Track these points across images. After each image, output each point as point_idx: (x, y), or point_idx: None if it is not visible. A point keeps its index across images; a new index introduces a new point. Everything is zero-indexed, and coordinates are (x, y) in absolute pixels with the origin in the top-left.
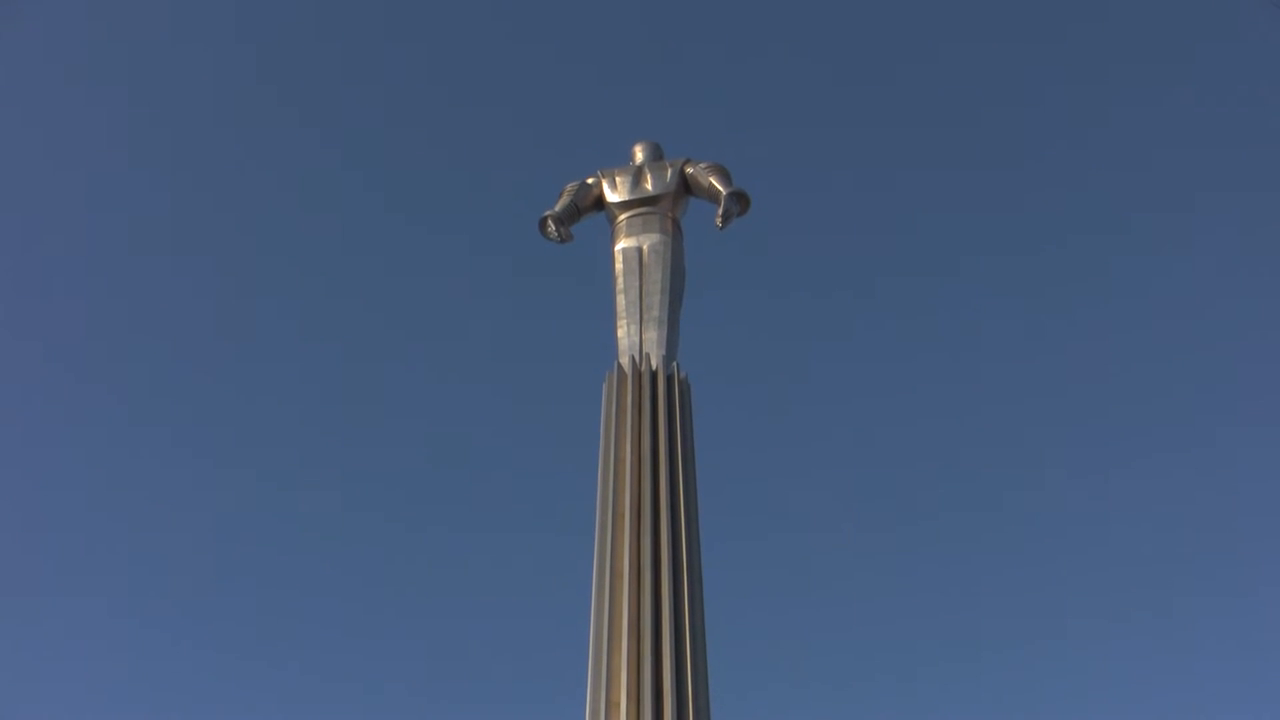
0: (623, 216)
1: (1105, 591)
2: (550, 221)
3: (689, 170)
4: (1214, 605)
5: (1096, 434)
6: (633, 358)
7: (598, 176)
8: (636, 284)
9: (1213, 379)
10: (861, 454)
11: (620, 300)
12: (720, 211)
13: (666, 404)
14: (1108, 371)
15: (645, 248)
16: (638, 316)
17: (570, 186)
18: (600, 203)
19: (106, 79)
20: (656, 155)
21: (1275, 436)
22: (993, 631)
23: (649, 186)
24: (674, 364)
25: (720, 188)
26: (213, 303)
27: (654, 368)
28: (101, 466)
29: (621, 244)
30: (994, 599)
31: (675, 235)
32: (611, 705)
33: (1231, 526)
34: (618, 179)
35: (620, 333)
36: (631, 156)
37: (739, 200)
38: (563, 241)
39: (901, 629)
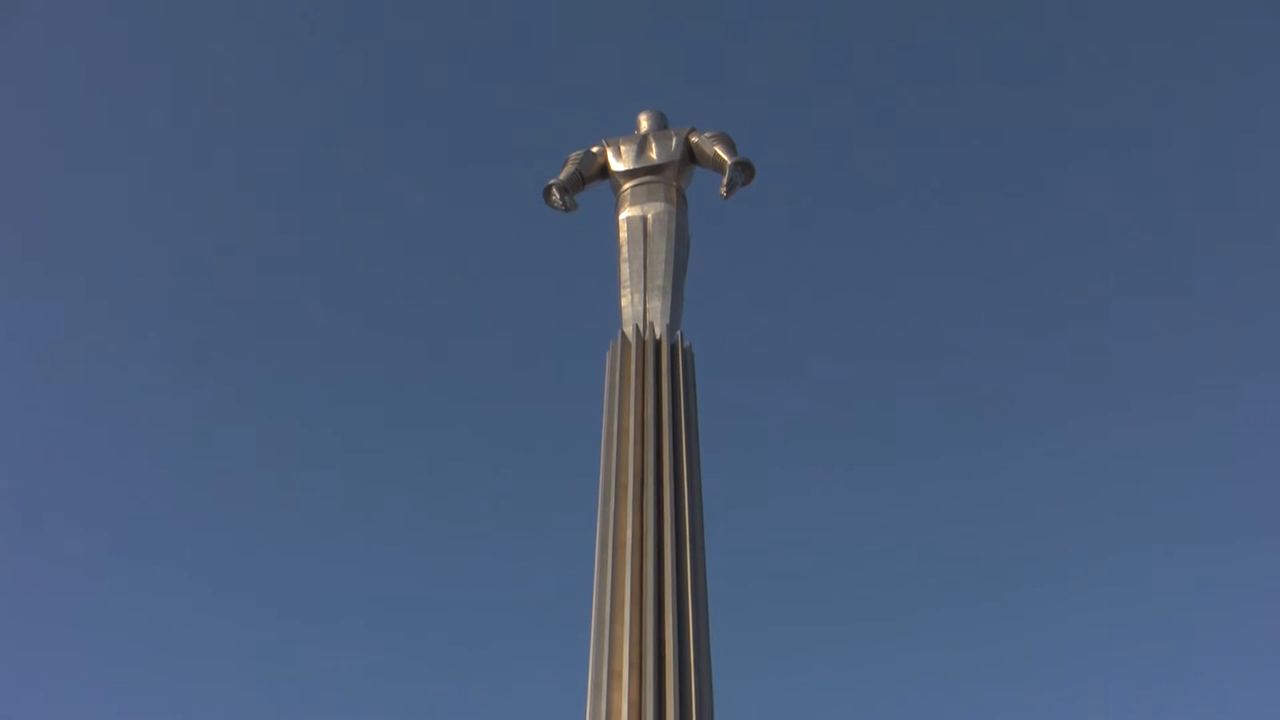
0: (627, 185)
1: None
2: (554, 190)
3: (694, 139)
4: None
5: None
6: (636, 327)
7: (602, 145)
8: (640, 253)
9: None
10: (865, 424)
11: (624, 269)
12: (725, 181)
13: (670, 373)
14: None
15: (649, 217)
16: (641, 286)
17: (574, 155)
18: (605, 172)
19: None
20: (661, 124)
21: None
22: (994, 567)
23: (653, 155)
24: (678, 333)
25: (725, 157)
26: (216, 275)
27: (658, 337)
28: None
29: (626, 213)
30: (1000, 534)
31: (680, 204)
32: (614, 675)
33: None
34: (622, 148)
35: (624, 302)
36: (636, 125)
37: (744, 170)
38: (567, 210)
39: (908, 580)
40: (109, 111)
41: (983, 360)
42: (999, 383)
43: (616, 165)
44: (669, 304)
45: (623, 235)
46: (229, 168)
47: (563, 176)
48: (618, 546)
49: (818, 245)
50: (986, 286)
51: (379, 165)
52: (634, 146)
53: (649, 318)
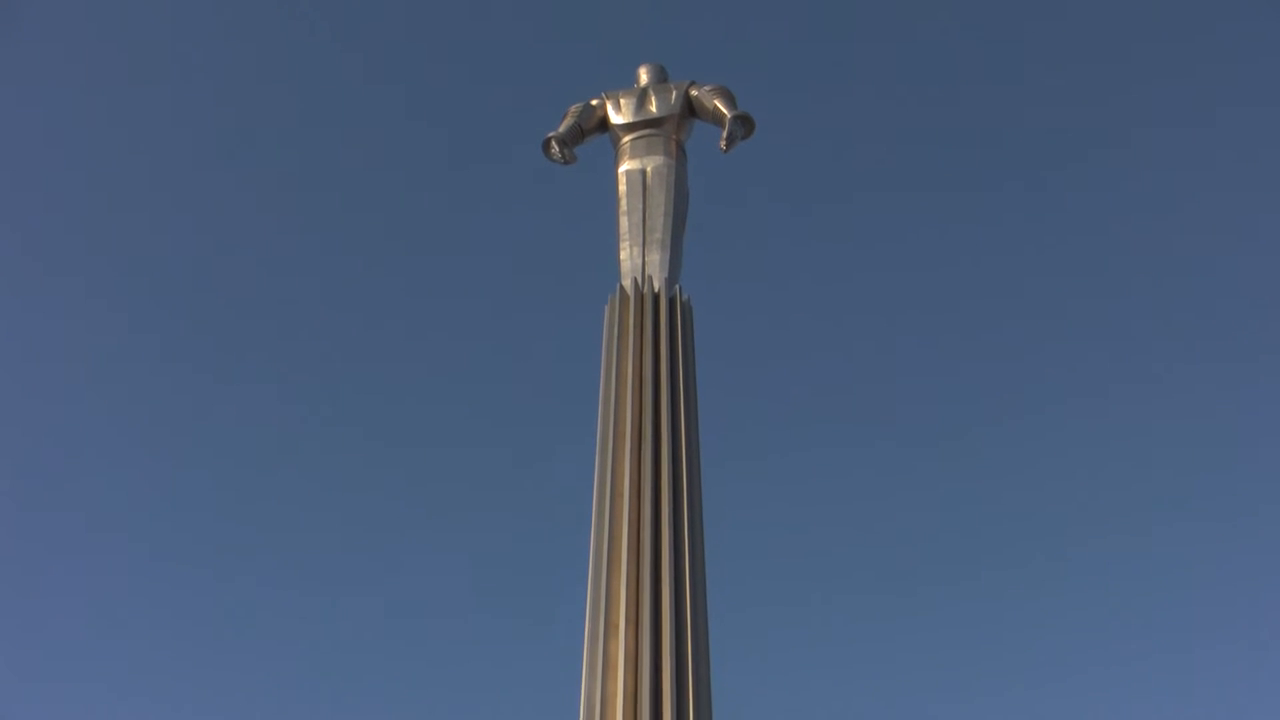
0: (626, 139)
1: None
2: (554, 143)
3: (693, 93)
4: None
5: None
6: (635, 280)
7: (602, 98)
8: (640, 206)
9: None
10: (863, 376)
11: (623, 222)
12: (725, 134)
13: (668, 326)
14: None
15: (649, 170)
16: (640, 239)
17: (574, 108)
18: (604, 125)
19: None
20: (661, 78)
21: None
22: (992, 545)
23: (653, 109)
24: (676, 286)
25: (725, 110)
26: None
27: (656, 290)
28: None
29: (625, 166)
30: (997, 513)
31: (679, 158)
32: (611, 627)
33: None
34: (622, 101)
35: (623, 255)
36: (636, 79)
37: (744, 123)
38: (566, 163)
39: (903, 548)
40: (109, 111)
41: (982, 347)
42: (998, 369)
43: (616, 118)
44: (668, 257)
45: (622, 188)
46: (229, 167)
47: (562, 129)
48: (615, 497)
49: (817, 234)
50: (987, 275)
51: (379, 165)
52: (633, 100)
53: (648, 271)
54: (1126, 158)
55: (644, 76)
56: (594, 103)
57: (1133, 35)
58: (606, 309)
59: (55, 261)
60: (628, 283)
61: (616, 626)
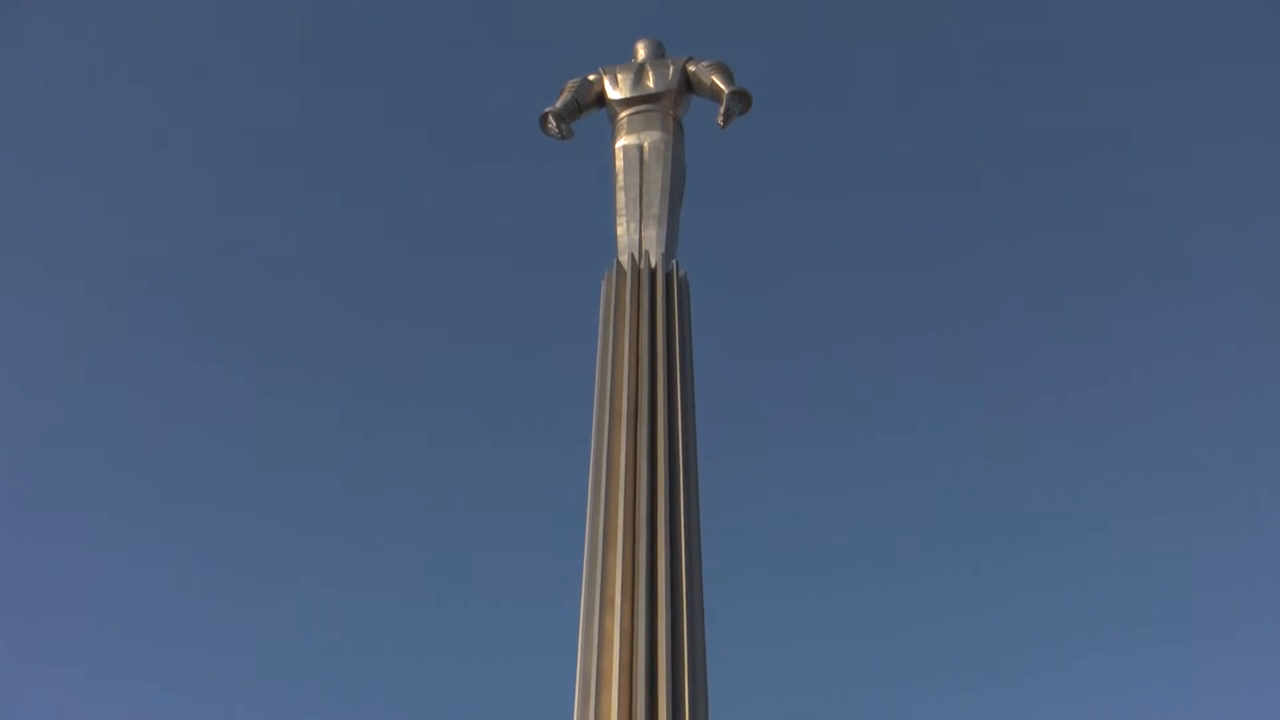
0: (624, 114)
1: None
2: (551, 118)
3: (691, 68)
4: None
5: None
6: (632, 255)
7: (599, 73)
8: (636, 182)
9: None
10: (863, 373)
11: (620, 198)
12: (722, 110)
13: (665, 302)
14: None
15: (646, 145)
16: (637, 214)
17: (571, 83)
18: (601, 100)
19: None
20: (658, 53)
21: None
22: (991, 540)
23: (650, 84)
24: (673, 262)
25: (722, 86)
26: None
27: (653, 265)
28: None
29: (622, 141)
30: (997, 509)
31: (676, 134)
32: (607, 602)
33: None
34: (619, 76)
35: (619, 230)
36: (633, 54)
37: (741, 99)
38: (563, 138)
39: (902, 533)
40: (109, 110)
41: (982, 346)
42: (998, 368)
43: (613, 93)
44: (664, 233)
45: (619, 164)
46: (228, 167)
47: (559, 105)
48: (611, 473)
49: (817, 229)
50: (987, 275)
51: (379, 165)
52: (631, 75)
53: (644, 246)
54: (1126, 158)
55: (641, 51)
56: (591, 78)
57: (1133, 35)
58: (603, 284)
59: (55, 261)
60: (624, 258)
61: (612, 601)
